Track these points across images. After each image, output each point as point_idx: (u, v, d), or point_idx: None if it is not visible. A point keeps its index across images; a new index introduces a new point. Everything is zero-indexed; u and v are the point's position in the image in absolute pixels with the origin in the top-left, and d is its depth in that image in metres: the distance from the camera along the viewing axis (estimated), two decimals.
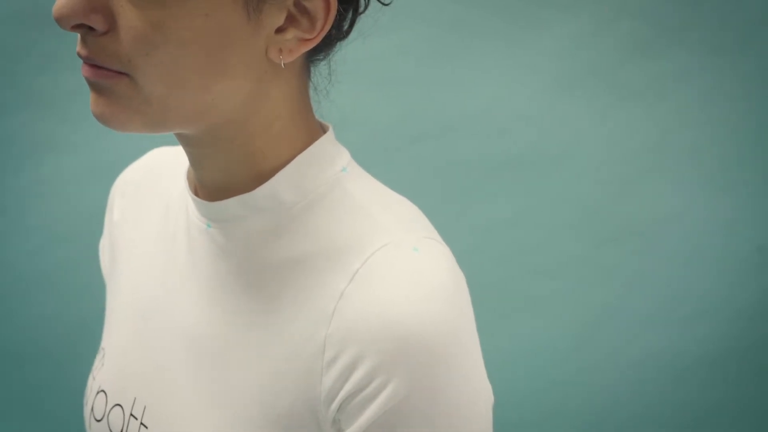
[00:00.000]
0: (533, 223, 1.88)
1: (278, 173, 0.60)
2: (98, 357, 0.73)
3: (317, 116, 0.65)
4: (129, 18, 0.51)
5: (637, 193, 1.90)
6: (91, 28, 0.52)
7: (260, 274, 0.60)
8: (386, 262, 0.55)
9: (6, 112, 1.79)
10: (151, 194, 0.75)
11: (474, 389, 0.55)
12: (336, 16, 0.56)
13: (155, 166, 0.77)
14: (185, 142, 0.61)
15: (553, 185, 1.88)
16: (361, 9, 0.61)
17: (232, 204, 0.61)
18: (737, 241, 1.91)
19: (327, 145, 0.62)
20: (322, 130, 0.65)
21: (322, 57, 0.63)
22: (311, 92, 0.64)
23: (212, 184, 0.62)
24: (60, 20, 0.51)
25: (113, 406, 0.67)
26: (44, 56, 1.75)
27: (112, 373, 0.69)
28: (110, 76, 0.53)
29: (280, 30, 0.55)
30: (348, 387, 0.53)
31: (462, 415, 0.54)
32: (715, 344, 1.89)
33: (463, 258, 0.60)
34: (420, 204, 0.64)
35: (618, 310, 1.90)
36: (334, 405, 0.55)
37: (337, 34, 0.61)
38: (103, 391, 0.68)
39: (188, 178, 0.67)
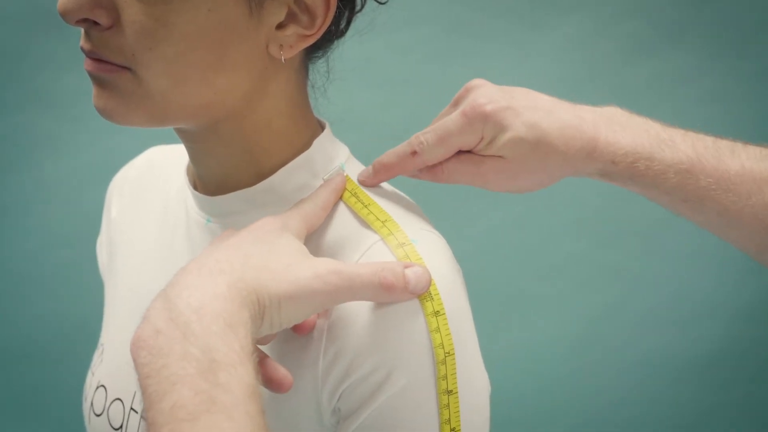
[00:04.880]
0: (535, 224, 1.88)
1: (280, 170, 0.60)
2: (97, 353, 0.73)
3: (315, 114, 0.66)
4: (133, 13, 0.51)
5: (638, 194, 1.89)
6: (95, 23, 0.52)
7: None
8: (384, 254, 0.55)
9: (6, 112, 1.79)
10: (149, 192, 0.75)
11: (473, 377, 0.56)
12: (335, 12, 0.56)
13: (152, 164, 0.78)
14: (186, 137, 0.61)
15: (554, 186, 1.87)
16: (358, 8, 0.62)
17: (232, 199, 0.61)
18: None
19: (326, 141, 0.63)
20: (320, 126, 0.65)
21: (320, 54, 0.63)
22: (309, 90, 0.64)
23: (212, 180, 0.63)
24: (65, 15, 0.52)
25: (113, 401, 0.67)
26: (44, 56, 1.75)
27: (112, 368, 0.69)
28: (113, 70, 0.53)
29: (280, 26, 0.56)
30: (348, 378, 0.54)
31: (462, 402, 0.54)
32: (716, 344, 1.89)
33: (465, 259, 0.60)
34: (422, 205, 0.65)
35: (619, 311, 1.90)
36: (335, 394, 0.55)
37: (335, 31, 0.62)
38: (102, 386, 0.68)
39: (188, 173, 0.67)
